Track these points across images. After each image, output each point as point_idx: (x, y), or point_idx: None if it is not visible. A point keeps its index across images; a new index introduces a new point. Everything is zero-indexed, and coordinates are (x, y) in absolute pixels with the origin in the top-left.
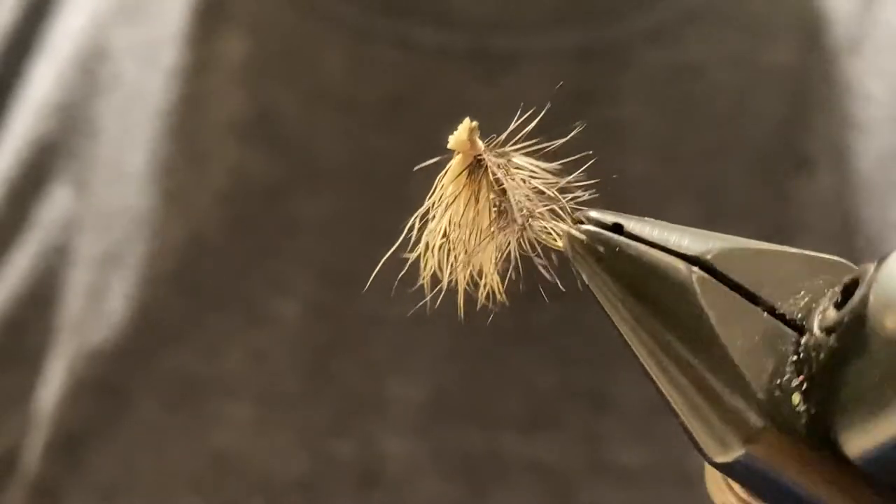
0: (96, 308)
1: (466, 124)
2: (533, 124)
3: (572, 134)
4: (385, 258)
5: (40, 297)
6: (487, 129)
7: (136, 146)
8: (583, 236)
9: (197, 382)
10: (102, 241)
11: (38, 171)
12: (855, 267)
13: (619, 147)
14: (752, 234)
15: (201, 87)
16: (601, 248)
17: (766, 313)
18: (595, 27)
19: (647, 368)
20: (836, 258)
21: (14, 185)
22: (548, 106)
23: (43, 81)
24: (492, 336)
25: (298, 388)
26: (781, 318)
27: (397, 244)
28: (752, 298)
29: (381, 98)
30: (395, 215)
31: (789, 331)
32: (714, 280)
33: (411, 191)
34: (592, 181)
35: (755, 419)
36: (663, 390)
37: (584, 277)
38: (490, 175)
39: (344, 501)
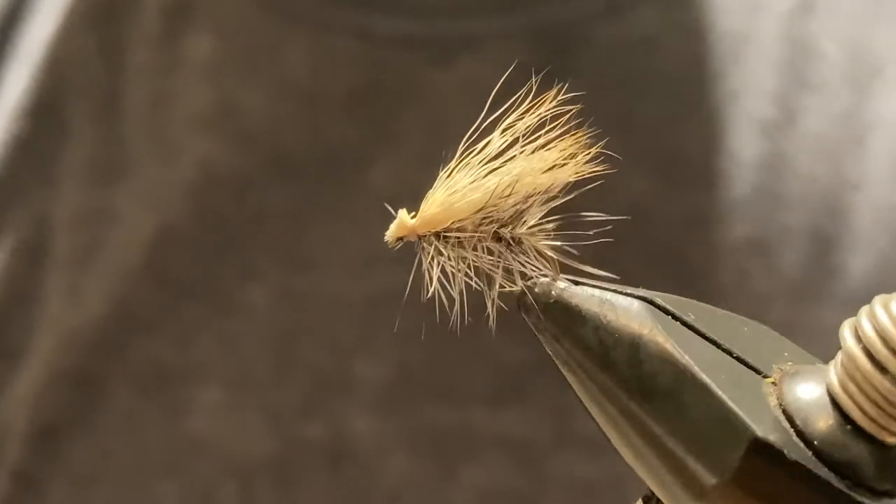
0: (71, 302)
1: (400, 217)
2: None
3: None
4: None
5: (18, 294)
6: (446, 113)
7: (106, 144)
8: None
9: (169, 370)
10: (76, 238)
11: (12, 172)
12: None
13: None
14: (712, 201)
15: (169, 86)
16: (547, 299)
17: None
18: (548, 7)
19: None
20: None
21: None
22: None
23: (16, 85)
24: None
25: (268, 372)
26: (738, 359)
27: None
28: (707, 339)
29: (342, 88)
30: (358, 200)
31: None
32: (669, 318)
33: (373, 176)
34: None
35: (707, 477)
36: (619, 450)
37: (541, 337)
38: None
39: (315, 480)
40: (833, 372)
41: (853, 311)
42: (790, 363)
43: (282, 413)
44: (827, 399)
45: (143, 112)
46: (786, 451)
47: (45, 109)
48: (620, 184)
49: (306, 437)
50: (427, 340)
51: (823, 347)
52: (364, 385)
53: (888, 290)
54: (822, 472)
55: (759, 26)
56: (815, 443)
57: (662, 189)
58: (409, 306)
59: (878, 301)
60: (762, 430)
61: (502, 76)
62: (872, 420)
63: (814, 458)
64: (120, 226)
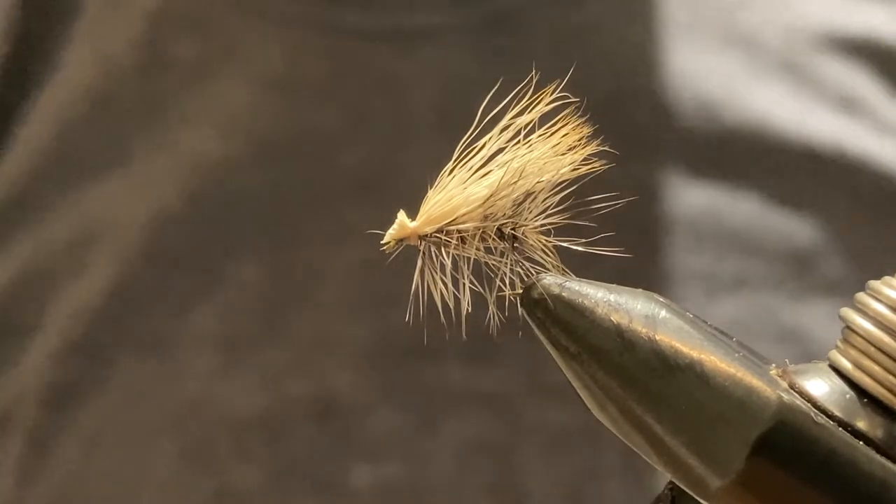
0: (79, 281)
1: (399, 220)
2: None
3: None
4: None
5: (34, 276)
6: (409, 99)
7: (101, 141)
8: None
9: (167, 338)
10: (81, 223)
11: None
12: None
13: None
14: (663, 172)
15: (158, 86)
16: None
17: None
18: None
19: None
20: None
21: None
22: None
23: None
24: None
25: (257, 337)
26: (743, 348)
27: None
28: (710, 332)
29: (314, 79)
30: (332, 179)
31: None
32: (674, 311)
33: (345, 158)
34: None
35: (712, 480)
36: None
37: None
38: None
39: (302, 434)
40: (840, 356)
41: None
42: (787, 359)
43: (271, 373)
44: (839, 380)
45: (136, 110)
46: (813, 415)
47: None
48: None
49: (294, 395)
50: (404, 303)
51: None
52: (347, 346)
53: None
54: (848, 438)
55: (702, 19)
56: (836, 413)
57: (617, 160)
58: (387, 273)
59: (878, 283)
60: (788, 397)
61: (460, 63)
62: (888, 388)
63: (838, 427)
64: (119, 211)
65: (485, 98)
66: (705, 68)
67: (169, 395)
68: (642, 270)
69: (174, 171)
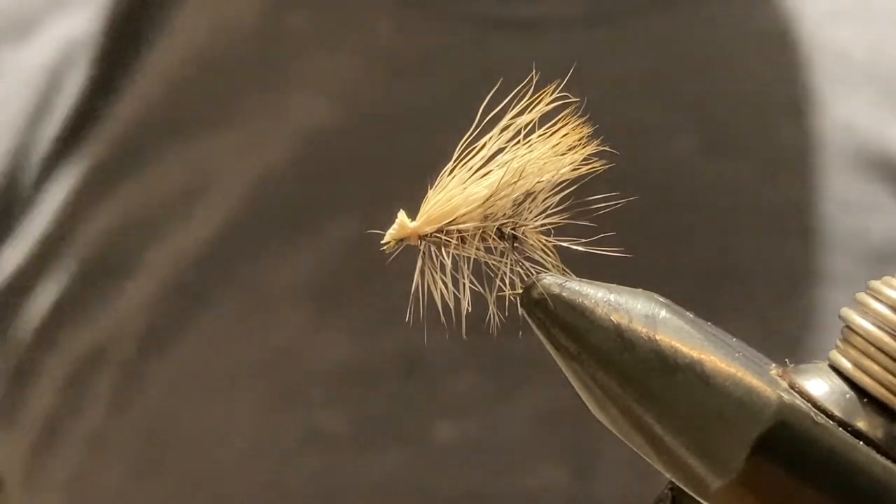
0: (184, 227)
1: (399, 220)
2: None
3: None
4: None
5: (138, 222)
6: (511, 88)
7: (212, 100)
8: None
9: (264, 289)
10: (192, 175)
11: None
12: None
13: (626, 98)
14: (748, 167)
15: (271, 52)
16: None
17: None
18: None
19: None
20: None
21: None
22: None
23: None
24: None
25: (351, 293)
26: (743, 349)
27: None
28: (710, 332)
29: (422, 58)
30: (428, 155)
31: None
32: (674, 311)
33: (439, 139)
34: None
35: (712, 480)
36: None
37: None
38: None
39: (389, 388)
40: (840, 356)
41: None
42: (787, 359)
43: (362, 328)
44: (839, 380)
45: (257, 75)
46: (813, 415)
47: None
48: (666, 147)
49: (383, 350)
50: None
51: None
52: (434, 308)
53: None
54: (848, 438)
55: (797, 28)
56: (836, 413)
57: (702, 153)
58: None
59: (878, 282)
60: (788, 397)
61: (559, 55)
62: (888, 388)
63: (838, 427)
64: (226, 167)
65: (583, 93)
66: (789, 79)
67: (261, 343)
68: (722, 263)
69: (282, 134)
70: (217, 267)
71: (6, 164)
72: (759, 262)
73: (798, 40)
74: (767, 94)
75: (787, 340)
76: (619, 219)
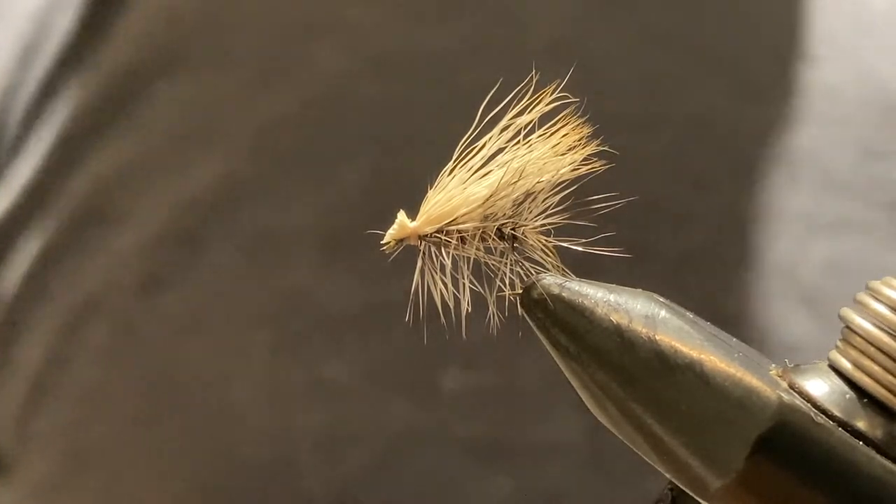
0: (183, 174)
1: (399, 220)
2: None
3: None
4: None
5: (134, 167)
6: (527, 32)
7: (215, 42)
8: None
9: (268, 234)
10: (192, 119)
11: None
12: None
13: (657, 47)
14: (772, 113)
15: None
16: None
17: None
18: None
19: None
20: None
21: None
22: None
23: None
24: None
25: (358, 238)
26: (742, 348)
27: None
28: (710, 332)
29: (438, 3)
30: (444, 98)
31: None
32: (673, 311)
33: (458, 80)
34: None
35: (712, 480)
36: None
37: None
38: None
39: (397, 335)
40: (840, 356)
41: None
42: (786, 359)
43: (370, 274)
44: (839, 380)
45: (255, 18)
46: (812, 415)
47: None
48: (698, 86)
49: (391, 297)
50: None
51: None
52: None
53: None
54: (848, 438)
55: None
56: (836, 413)
57: (731, 97)
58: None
59: (878, 283)
60: (788, 397)
61: (585, 4)
62: (888, 388)
63: (838, 427)
64: (231, 112)
65: (589, 45)
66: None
67: (266, 288)
68: (745, 208)
69: (293, 78)
70: (218, 212)
71: None
72: (779, 208)
73: None
74: (789, 42)
75: (805, 288)
76: (642, 164)
